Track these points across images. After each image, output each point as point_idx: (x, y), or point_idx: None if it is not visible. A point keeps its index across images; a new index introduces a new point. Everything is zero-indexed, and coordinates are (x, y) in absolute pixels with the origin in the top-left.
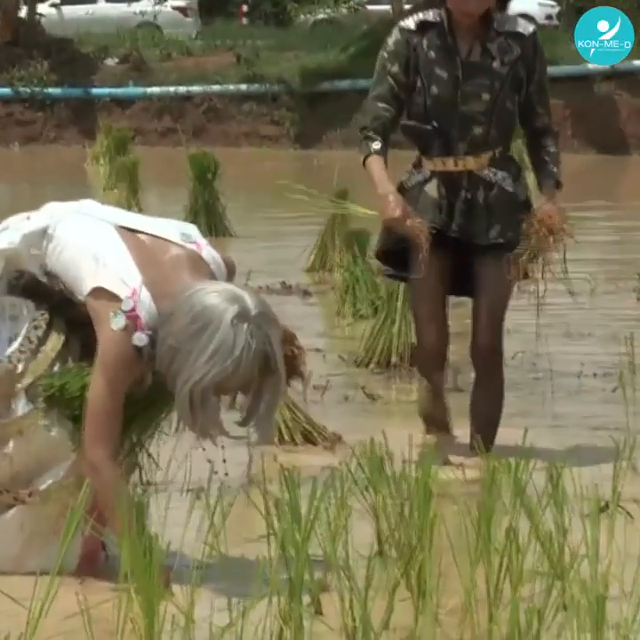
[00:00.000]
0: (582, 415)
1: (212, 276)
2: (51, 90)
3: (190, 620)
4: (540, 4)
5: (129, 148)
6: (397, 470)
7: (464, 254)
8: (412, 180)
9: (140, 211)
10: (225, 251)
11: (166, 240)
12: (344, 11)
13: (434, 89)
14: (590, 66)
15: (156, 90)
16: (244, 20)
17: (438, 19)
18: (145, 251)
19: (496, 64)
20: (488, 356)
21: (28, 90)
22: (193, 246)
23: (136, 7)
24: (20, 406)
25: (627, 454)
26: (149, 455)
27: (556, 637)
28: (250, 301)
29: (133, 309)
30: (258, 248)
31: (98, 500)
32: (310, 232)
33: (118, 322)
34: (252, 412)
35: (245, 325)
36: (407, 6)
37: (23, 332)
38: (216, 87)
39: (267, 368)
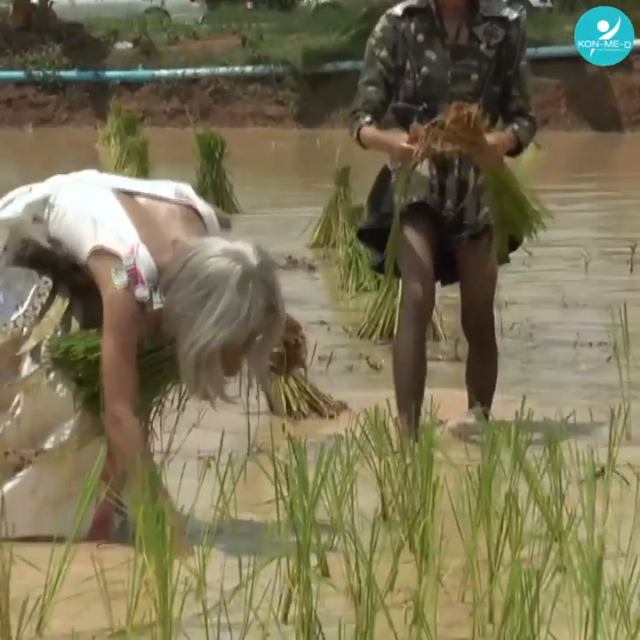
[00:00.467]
0: (578, 384)
1: (204, 228)
2: (62, 73)
3: (202, 582)
4: None
5: (139, 128)
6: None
7: (449, 242)
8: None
9: None
10: (232, 229)
11: (160, 198)
12: None
13: (425, 70)
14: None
15: (164, 72)
16: (249, 5)
17: (425, 4)
18: (141, 210)
19: (483, 47)
20: (483, 332)
21: (40, 73)
22: (186, 201)
23: None
24: (26, 367)
25: (621, 421)
26: (152, 426)
27: (554, 598)
28: (251, 255)
29: (133, 265)
30: (264, 224)
31: (118, 456)
32: (314, 209)
33: (120, 279)
34: (255, 362)
35: (250, 284)
36: None
37: (28, 299)
38: (222, 69)
39: (270, 314)
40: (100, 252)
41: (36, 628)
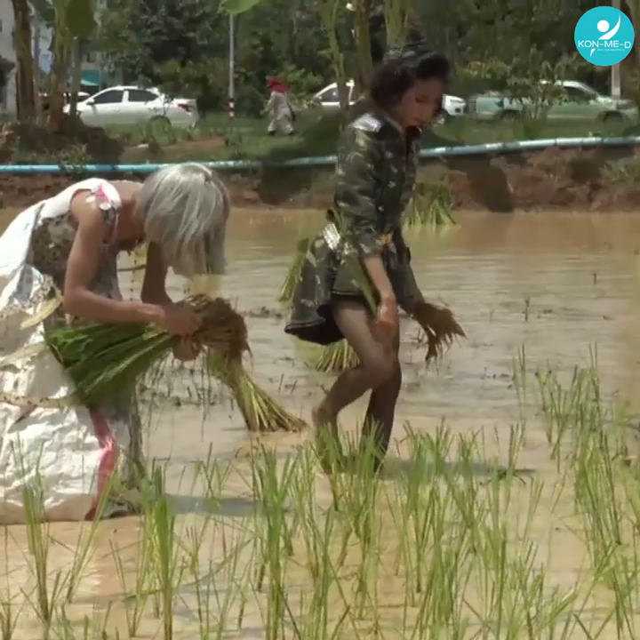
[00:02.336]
0: (486, 406)
1: None
2: (87, 166)
3: (195, 559)
4: (451, 100)
5: None
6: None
7: None
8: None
9: None
10: (219, 283)
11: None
12: (305, 105)
13: (391, 183)
14: (487, 146)
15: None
16: (231, 114)
17: (394, 124)
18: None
19: (416, 160)
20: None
21: (71, 166)
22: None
23: (151, 105)
24: (33, 337)
25: (519, 435)
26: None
27: (467, 572)
28: (204, 167)
29: (100, 188)
30: (243, 283)
31: (95, 318)
32: (282, 270)
33: (90, 198)
34: (216, 254)
35: (212, 184)
36: (351, 103)
37: (33, 291)
38: (210, 163)
39: (227, 210)
40: (76, 192)
41: (67, 595)
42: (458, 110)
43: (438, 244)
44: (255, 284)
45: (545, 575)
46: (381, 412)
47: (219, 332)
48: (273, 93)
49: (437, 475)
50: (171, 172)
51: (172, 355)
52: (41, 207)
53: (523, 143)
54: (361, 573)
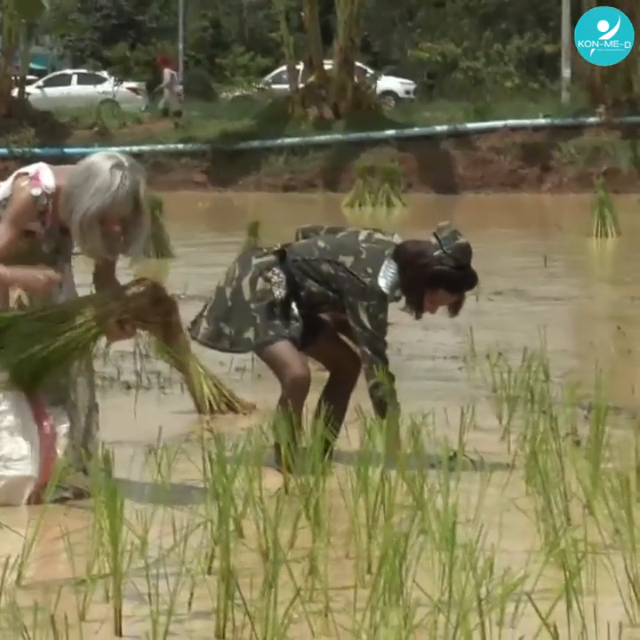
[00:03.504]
0: (436, 388)
1: None
2: (36, 150)
3: (145, 542)
4: (400, 82)
5: None
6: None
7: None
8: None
9: None
10: (168, 268)
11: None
12: (254, 89)
13: None
14: (437, 128)
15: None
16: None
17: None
18: (55, 168)
19: None
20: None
21: (19, 150)
22: None
23: (100, 88)
24: None
25: (469, 416)
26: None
27: (418, 554)
28: (124, 158)
29: (37, 174)
30: (193, 267)
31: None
32: (232, 254)
33: (24, 182)
34: (129, 242)
35: (120, 172)
36: (301, 85)
37: None
38: (160, 146)
39: (137, 207)
40: (17, 176)
41: (16, 580)
42: (408, 92)
43: (389, 226)
44: (205, 268)
45: (495, 556)
46: (335, 398)
47: (149, 315)
48: (166, 70)
49: (387, 457)
50: (92, 157)
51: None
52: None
53: (472, 125)
54: (311, 556)
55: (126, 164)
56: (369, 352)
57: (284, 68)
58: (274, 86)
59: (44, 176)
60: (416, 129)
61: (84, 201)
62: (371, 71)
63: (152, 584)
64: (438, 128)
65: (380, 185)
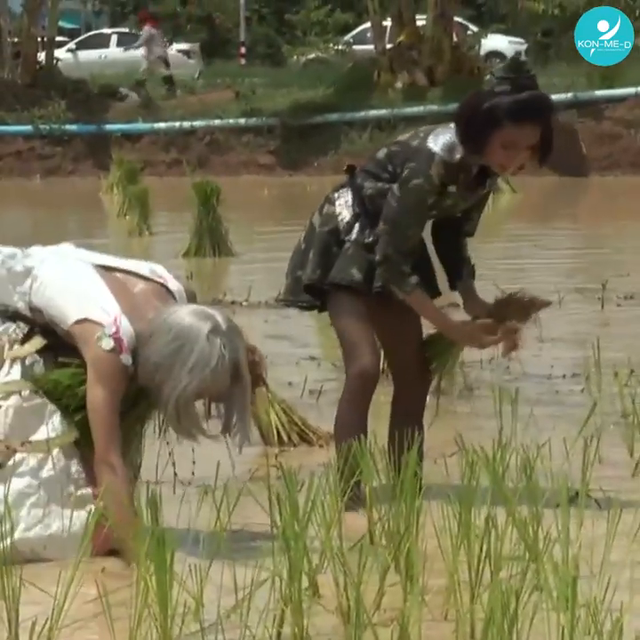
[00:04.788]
0: (554, 414)
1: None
2: (68, 126)
3: (200, 603)
4: (509, 42)
5: (139, 178)
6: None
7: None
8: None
9: (151, 234)
10: (227, 270)
11: (137, 274)
12: (332, 51)
13: (433, 212)
14: (555, 97)
15: (162, 125)
16: (242, 61)
17: (473, 158)
18: (119, 284)
19: (487, 198)
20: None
21: (47, 127)
22: (159, 279)
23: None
24: (15, 371)
25: (593, 448)
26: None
27: (531, 615)
28: (220, 318)
29: (117, 332)
30: (258, 267)
31: (109, 498)
32: None
33: (107, 343)
34: (229, 419)
35: (218, 339)
36: (389, 46)
37: (4, 326)
38: (217, 121)
39: (237, 376)
40: (84, 321)
41: None
42: (519, 53)
43: (496, 217)
44: (271, 270)
45: (625, 617)
46: (403, 423)
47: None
48: (145, 28)
49: (494, 497)
50: (182, 309)
51: None
52: (27, 275)
53: (597, 93)
54: (402, 618)
55: (224, 326)
56: (383, 221)
57: (367, 25)
58: (355, 47)
59: (125, 331)
60: None
61: (181, 377)
62: (473, 28)
63: None
64: (556, 97)
65: None
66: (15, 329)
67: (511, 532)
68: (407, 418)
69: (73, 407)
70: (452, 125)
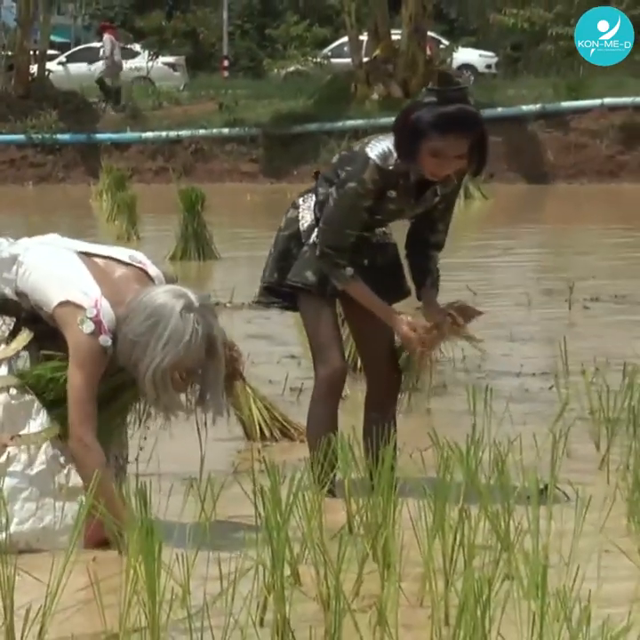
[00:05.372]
0: (524, 410)
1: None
2: (59, 136)
3: (186, 591)
4: (480, 55)
5: (127, 185)
6: (365, 459)
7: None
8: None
9: (139, 239)
10: (212, 272)
11: (117, 260)
12: (311, 64)
13: (377, 217)
14: (524, 108)
15: (149, 134)
16: (225, 74)
17: (410, 165)
18: (100, 269)
19: (437, 199)
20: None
21: (39, 136)
22: (139, 264)
23: (132, 63)
24: (3, 369)
25: (562, 443)
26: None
27: (503, 602)
28: (193, 296)
29: (97, 315)
30: (241, 269)
31: (84, 477)
32: None
33: (88, 327)
34: (204, 393)
35: (191, 315)
36: (365, 59)
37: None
38: (202, 131)
39: (211, 351)
40: (66, 304)
41: (38, 633)
42: (489, 66)
43: (467, 222)
44: (254, 272)
45: (593, 604)
46: (376, 416)
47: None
48: (106, 36)
49: (468, 490)
50: (156, 289)
51: None
52: (14, 262)
53: (564, 104)
54: (380, 605)
55: (196, 303)
56: (321, 221)
57: (344, 39)
58: (333, 61)
59: (105, 313)
60: (499, 109)
61: (156, 352)
62: (445, 42)
63: (195, 638)
64: (525, 108)
65: None
66: (1, 326)
67: (484, 524)
68: (380, 411)
69: (56, 399)
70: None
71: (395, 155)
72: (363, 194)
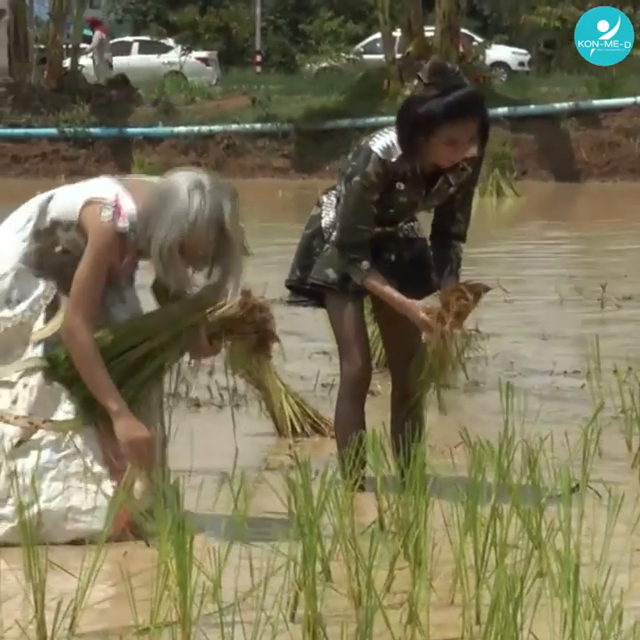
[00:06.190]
0: (555, 409)
1: None
2: (91, 130)
3: (218, 585)
4: (513, 53)
5: None
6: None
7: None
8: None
9: None
10: (244, 268)
11: (145, 181)
12: (344, 60)
13: (391, 211)
14: (557, 105)
15: (182, 129)
16: (258, 69)
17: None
18: (128, 184)
19: (452, 189)
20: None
21: (71, 130)
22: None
23: (164, 58)
24: (29, 350)
25: (594, 442)
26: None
27: (535, 600)
28: (206, 178)
29: (116, 200)
30: (272, 266)
31: (74, 361)
32: None
33: (106, 213)
34: (217, 275)
35: (198, 195)
36: (398, 55)
37: (32, 297)
38: (234, 126)
39: (221, 234)
40: (89, 202)
41: (69, 627)
42: (522, 64)
43: (499, 219)
44: (286, 269)
45: (625, 603)
46: (403, 412)
47: (243, 326)
48: (96, 33)
49: (499, 488)
50: (171, 176)
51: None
52: (49, 200)
53: (597, 102)
54: (411, 602)
55: (207, 184)
56: (338, 219)
57: (377, 35)
58: (366, 57)
59: (125, 203)
60: (531, 107)
61: (162, 229)
62: (479, 39)
63: (226, 633)
64: (557, 105)
65: (490, 171)
66: (39, 300)
67: (516, 522)
68: (406, 407)
69: (72, 377)
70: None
71: (397, 150)
72: (368, 187)
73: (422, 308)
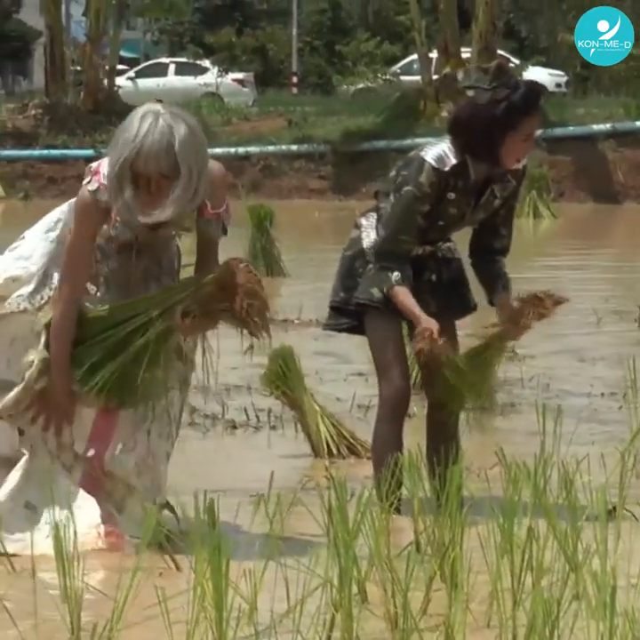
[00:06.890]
0: (592, 430)
1: None
2: None
3: (254, 608)
4: (549, 74)
5: None
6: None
7: None
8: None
9: None
10: (280, 289)
11: None
12: (380, 81)
13: (440, 222)
14: (594, 127)
15: (218, 150)
16: (294, 90)
17: (469, 165)
18: None
19: (497, 202)
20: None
21: (107, 151)
22: None
23: (201, 79)
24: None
25: (631, 464)
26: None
27: (572, 623)
28: (162, 107)
29: (98, 166)
30: (308, 287)
31: (51, 327)
32: None
33: (86, 179)
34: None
35: (150, 119)
36: (435, 76)
37: (46, 291)
38: (270, 147)
39: (172, 162)
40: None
41: None
42: (559, 85)
43: (536, 241)
44: (323, 289)
45: None
46: (438, 436)
47: (214, 303)
48: None
49: (535, 510)
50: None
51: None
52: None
53: (635, 124)
54: (447, 624)
55: (163, 110)
56: (380, 225)
57: (414, 56)
58: (403, 78)
59: (103, 166)
60: (569, 128)
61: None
62: (515, 61)
63: None
64: (595, 127)
65: (527, 193)
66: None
67: (552, 544)
68: (442, 431)
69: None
70: (448, 138)
71: (451, 157)
72: (420, 197)
73: (432, 323)
